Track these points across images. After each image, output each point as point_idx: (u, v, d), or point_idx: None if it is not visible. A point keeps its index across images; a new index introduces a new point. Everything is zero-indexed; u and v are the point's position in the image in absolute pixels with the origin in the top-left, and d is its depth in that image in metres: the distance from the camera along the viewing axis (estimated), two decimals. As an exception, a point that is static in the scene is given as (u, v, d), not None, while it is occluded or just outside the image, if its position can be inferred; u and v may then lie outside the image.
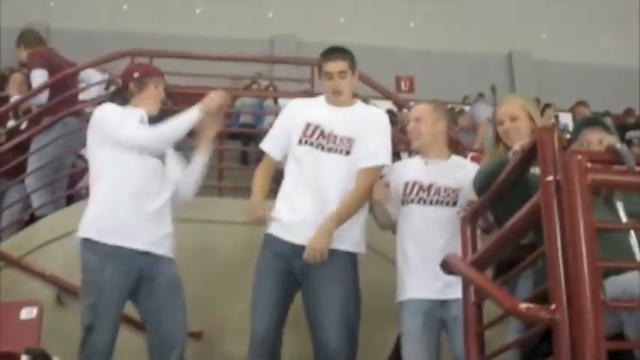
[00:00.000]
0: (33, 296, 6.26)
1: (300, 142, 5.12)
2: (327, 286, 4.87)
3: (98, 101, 8.90)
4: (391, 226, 5.26)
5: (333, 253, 4.85)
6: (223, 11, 23.03)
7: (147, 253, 4.94)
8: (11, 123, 8.15)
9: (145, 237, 4.94)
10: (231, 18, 22.97)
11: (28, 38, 8.20)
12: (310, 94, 7.41)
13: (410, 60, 23.37)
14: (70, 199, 7.97)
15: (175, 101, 7.80)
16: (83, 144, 8.68)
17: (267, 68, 20.32)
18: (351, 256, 5.02)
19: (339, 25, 23.74)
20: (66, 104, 7.68)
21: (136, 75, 5.26)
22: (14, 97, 8.33)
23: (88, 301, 4.82)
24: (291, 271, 4.97)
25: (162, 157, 5.14)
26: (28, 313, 5.35)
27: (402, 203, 5.13)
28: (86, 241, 4.93)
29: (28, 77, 8.31)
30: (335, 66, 5.09)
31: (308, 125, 5.13)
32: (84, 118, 8.18)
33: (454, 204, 5.03)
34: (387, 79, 16.83)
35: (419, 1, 24.01)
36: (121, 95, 5.30)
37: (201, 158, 5.28)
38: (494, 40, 24.08)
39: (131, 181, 4.97)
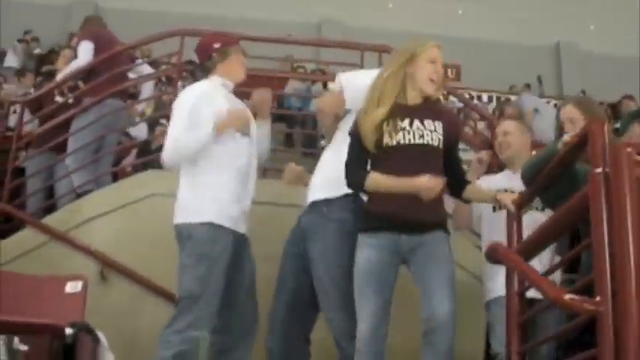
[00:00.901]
0: (76, 271, 6.33)
1: None
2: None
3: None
4: None
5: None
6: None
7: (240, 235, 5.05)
8: (58, 99, 8.19)
9: (240, 220, 5.04)
10: (278, 1, 22.94)
11: (91, 21, 8.33)
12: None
13: (457, 48, 23.23)
14: (115, 177, 8.03)
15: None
16: (126, 123, 8.82)
17: (314, 52, 20.35)
18: None
19: (387, 10, 23.66)
20: (108, 84, 7.69)
21: (216, 45, 5.23)
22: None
23: (196, 272, 4.85)
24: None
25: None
26: (72, 287, 5.36)
27: (494, 210, 5.25)
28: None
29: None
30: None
31: None
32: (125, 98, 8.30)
33: (543, 209, 5.10)
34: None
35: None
36: (201, 69, 5.30)
37: (265, 125, 5.37)
38: (542, 30, 23.85)
39: (234, 167, 5.04)
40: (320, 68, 15.73)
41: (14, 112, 9.07)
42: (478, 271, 5.55)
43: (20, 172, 8.04)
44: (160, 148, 8.83)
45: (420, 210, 4.35)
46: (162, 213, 5.45)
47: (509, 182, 5.26)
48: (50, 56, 19.71)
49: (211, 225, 4.87)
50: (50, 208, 7.74)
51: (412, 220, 4.39)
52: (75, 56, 8.25)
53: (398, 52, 4.76)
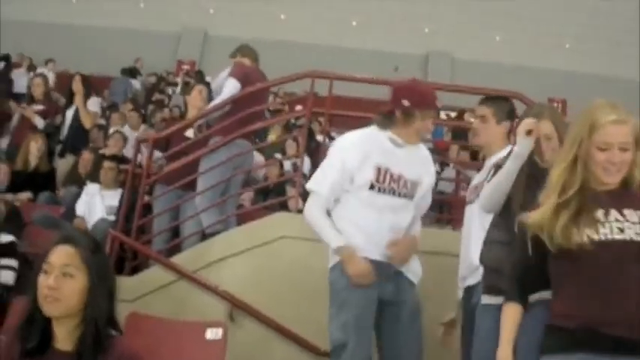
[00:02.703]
0: (203, 311, 6.41)
1: None
2: None
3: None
4: None
5: None
6: (379, 25, 23.12)
7: None
8: (189, 133, 8.28)
9: None
10: (387, 32, 23.03)
11: (245, 50, 8.40)
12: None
13: (563, 82, 23.02)
14: (239, 216, 8.08)
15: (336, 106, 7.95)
16: (251, 164, 8.86)
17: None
18: None
19: (495, 44, 23.55)
20: (238, 124, 7.70)
21: (405, 103, 4.96)
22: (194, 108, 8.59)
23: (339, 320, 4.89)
24: None
25: None
26: (213, 334, 5.44)
27: None
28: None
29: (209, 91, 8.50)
30: None
31: None
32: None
33: None
34: (539, 100, 16.61)
35: (573, 23, 23.61)
36: (387, 117, 5.05)
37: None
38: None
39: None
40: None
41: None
42: None
43: (147, 209, 8.15)
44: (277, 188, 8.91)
45: None
46: (292, 255, 5.49)
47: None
48: (159, 84, 20.16)
49: None
50: (175, 247, 7.85)
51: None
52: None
53: None
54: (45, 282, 2.97)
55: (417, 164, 5.12)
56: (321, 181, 5.02)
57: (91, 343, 2.96)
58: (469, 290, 4.91)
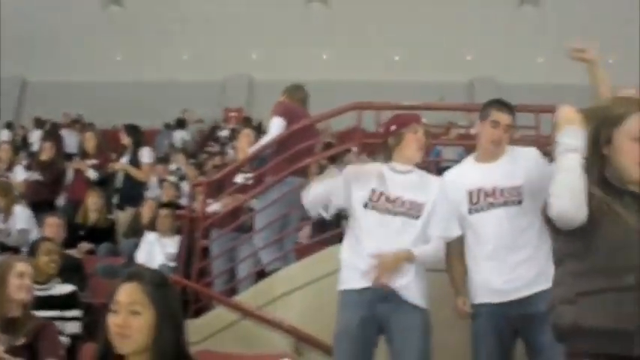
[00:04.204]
0: (269, 347, 6.45)
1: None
2: None
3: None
4: None
5: None
6: (422, 56, 23.16)
7: None
8: (239, 179, 8.39)
9: None
10: (431, 62, 23.06)
11: (291, 90, 8.50)
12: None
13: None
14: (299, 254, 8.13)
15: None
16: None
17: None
18: None
19: (537, 65, 23.49)
20: (288, 162, 7.78)
21: (392, 128, 5.33)
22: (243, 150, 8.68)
23: None
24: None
25: None
26: (280, 366, 5.49)
27: None
28: None
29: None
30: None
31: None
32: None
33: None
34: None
35: (618, 35, 23.47)
36: (384, 150, 5.38)
37: None
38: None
39: None
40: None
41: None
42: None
43: (205, 253, 8.25)
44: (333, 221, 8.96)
45: None
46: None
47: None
48: (213, 132, 20.35)
49: None
50: (233, 290, 7.94)
51: None
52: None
53: None
54: (114, 320, 3.04)
55: (418, 186, 5.23)
56: None
57: (162, 377, 3.01)
58: (520, 302, 4.93)
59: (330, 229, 8.08)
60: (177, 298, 3.31)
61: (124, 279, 3.14)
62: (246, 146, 8.72)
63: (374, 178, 5.17)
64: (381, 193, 5.14)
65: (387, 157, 5.30)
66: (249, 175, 8.36)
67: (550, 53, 23.67)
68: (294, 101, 8.30)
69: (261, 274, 7.77)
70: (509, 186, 5.09)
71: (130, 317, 3.04)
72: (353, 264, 5.17)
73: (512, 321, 4.97)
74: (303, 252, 7.97)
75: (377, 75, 22.76)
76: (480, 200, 5.14)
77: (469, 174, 5.26)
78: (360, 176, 5.20)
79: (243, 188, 8.25)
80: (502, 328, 5.01)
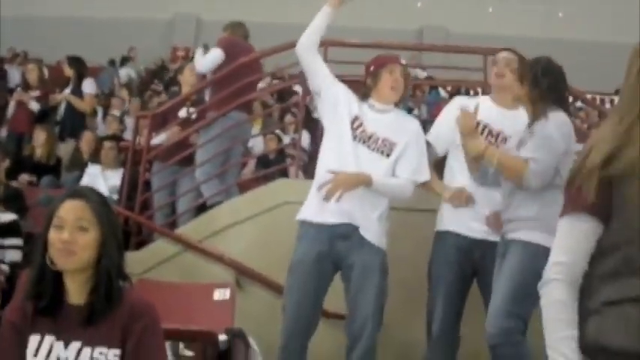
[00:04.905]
0: (210, 280, 6.45)
1: None
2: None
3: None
4: None
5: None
6: (373, 2, 23.07)
7: None
8: (182, 113, 8.33)
9: None
10: (379, 8, 22.99)
11: (235, 26, 8.50)
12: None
13: (557, 50, 22.98)
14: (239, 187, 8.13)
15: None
16: (249, 135, 8.93)
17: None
18: None
19: (487, 15, 23.55)
20: (232, 97, 7.75)
21: (371, 69, 5.32)
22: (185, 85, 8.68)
23: None
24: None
25: None
26: (221, 295, 5.48)
27: None
28: None
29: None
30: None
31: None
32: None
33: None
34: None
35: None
36: (363, 89, 5.35)
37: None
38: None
39: None
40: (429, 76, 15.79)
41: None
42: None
43: (149, 186, 8.21)
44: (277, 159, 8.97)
45: None
46: (295, 220, 5.51)
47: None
48: (160, 71, 20.16)
49: None
50: (173, 223, 7.92)
51: None
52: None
53: None
54: (58, 236, 2.98)
55: (394, 126, 5.21)
56: None
57: (103, 295, 2.98)
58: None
59: (275, 164, 8.08)
60: (118, 219, 3.28)
61: (67, 196, 3.09)
62: (190, 80, 8.68)
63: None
64: (361, 124, 5.14)
65: (365, 96, 5.28)
66: (193, 109, 8.28)
67: (499, 3, 23.82)
68: (237, 37, 8.28)
69: (202, 209, 7.77)
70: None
71: (77, 233, 2.99)
72: (314, 192, 5.11)
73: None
74: (246, 186, 7.98)
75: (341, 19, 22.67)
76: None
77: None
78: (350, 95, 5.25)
79: (187, 122, 8.18)
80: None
